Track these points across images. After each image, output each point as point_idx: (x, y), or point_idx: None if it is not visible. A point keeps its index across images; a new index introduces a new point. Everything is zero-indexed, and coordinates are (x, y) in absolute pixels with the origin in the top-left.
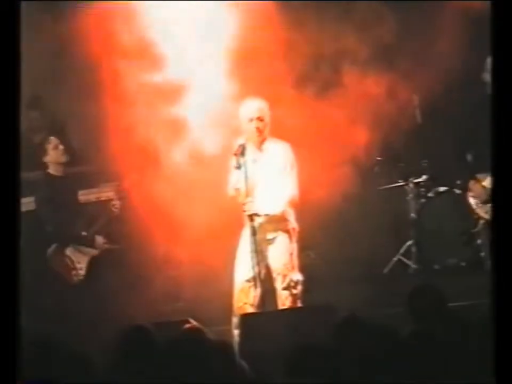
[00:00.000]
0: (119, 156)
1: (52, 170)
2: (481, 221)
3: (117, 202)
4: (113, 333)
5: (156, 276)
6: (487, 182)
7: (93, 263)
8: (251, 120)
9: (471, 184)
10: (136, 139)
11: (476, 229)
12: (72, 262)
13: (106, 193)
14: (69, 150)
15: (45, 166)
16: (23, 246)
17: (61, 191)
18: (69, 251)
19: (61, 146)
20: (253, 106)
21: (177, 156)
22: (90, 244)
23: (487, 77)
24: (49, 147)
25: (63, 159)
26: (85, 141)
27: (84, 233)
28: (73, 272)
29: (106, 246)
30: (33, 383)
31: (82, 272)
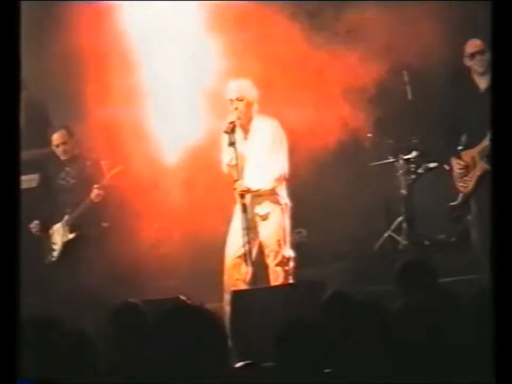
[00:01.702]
0: (102, 136)
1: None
2: (461, 195)
3: (100, 189)
4: (105, 311)
5: (148, 254)
6: (465, 157)
7: (67, 246)
8: (231, 101)
9: (452, 160)
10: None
11: (456, 202)
12: (51, 243)
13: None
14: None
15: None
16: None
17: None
18: (51, 231)
19: (62, 147)
20: (232, 87)
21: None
22: (70, 227)
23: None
24: (53, 143)
25: (63, 156)
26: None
27: (66, 216)
28: (50, 252)
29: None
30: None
31: (56, 253)
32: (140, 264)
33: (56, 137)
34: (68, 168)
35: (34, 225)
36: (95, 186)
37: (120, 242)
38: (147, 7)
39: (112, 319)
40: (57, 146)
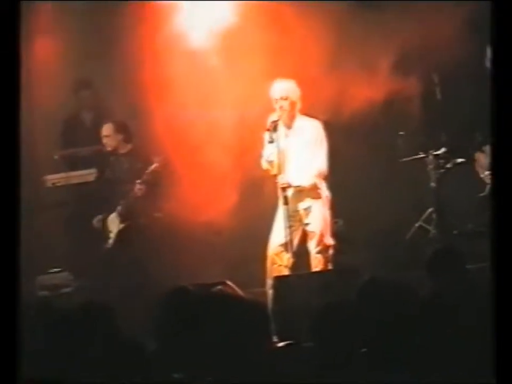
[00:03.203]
0: (161, 134)
1: (107, 146)
2: (488, 186)
3: (142, 184)
4: (157, 294)
5: (197, 242)
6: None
7: (120, 234)
8: (276, 100)
9: (477, 155)
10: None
11: (484, 193)
12: (109, 231)
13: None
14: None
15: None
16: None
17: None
18: (109, 220)
19: (108, 138)
20: (278, 87)
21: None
22: (121, 217)
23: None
24: (103, 132)
25: (109, 147)
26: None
27: (118, 207)
28: (106, 239)
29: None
30: None
31: (111, 241)
32: (189, 251)
33: (103, 129)
34: (122, 163)
35: (96, 220)
36: (137, 181)
37: (171, 231)
38: (204, 7)
39: (163, 301)
40: (103, 138)
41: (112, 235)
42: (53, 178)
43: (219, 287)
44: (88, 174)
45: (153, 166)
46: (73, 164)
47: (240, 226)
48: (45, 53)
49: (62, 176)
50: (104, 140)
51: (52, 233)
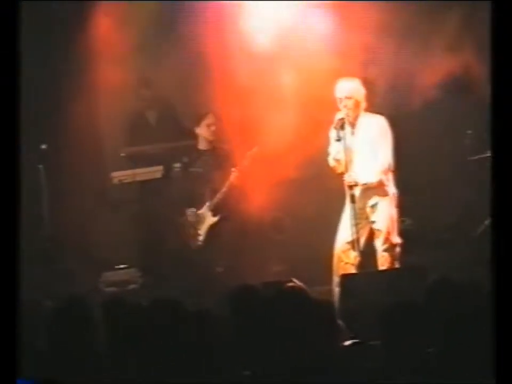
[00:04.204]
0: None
1: (199, 143)
2: None
3: (238, 171)
4: (226, 291)
5: (264, 240)
6: None
7: (210, 231)
8: (340, 99)
9: None
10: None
11: None
12: (195, 228)
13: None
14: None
15: (195, 136)
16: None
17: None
18: (192, 218)
19: (213, 127)
20: (342, 87)
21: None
22: (212, 212)
23: None
24: (204, 122)
25: (211, 137)
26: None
27: (207, 203)
28: (194, 237)
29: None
30: (25, 382)
31: (201, 238)
32: (255, 249)
33: (208, 117)
34: (204, 157)
35: (190, 212)
36: (233, 169)
37: (237, 230)
38: (269, 7)
39: (231, 299)
40: (209, 126)
41: (202, 232)
42: (120, 175)
43: (288, 285)
44: (155, 171)
45: (252, 151)
46: (139, 161)
47: (304, 224)
48: (112, 53)
49: (128, 173)
50: (205, 128)
51: (118, 229)
